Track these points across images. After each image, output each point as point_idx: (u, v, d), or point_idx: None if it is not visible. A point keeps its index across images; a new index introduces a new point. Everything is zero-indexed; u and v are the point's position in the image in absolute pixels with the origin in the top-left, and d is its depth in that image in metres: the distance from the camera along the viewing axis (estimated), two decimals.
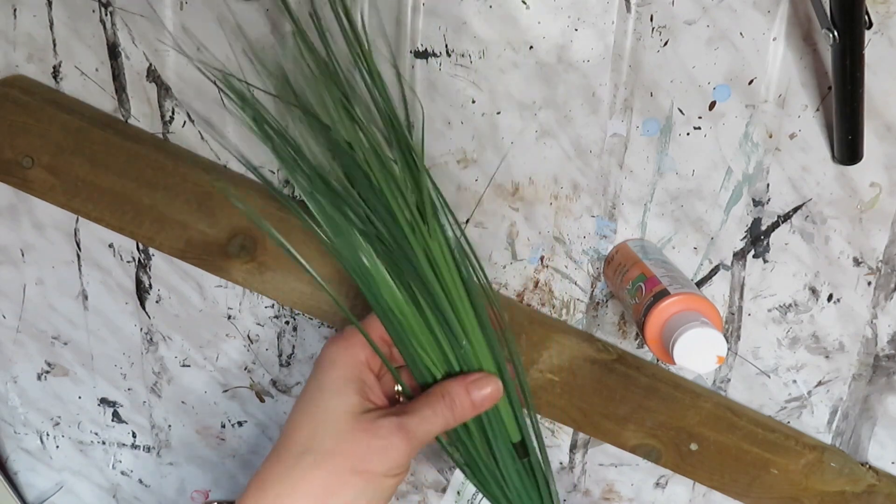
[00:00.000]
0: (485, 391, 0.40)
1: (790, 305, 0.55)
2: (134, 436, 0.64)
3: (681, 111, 0.51)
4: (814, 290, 0.55)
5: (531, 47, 0.50)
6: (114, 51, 0.53)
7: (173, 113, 0.54)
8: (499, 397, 0.41)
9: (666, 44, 0.49)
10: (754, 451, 0.57)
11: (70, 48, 0.53)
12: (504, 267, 0.56)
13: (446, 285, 0.41)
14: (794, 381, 0.57)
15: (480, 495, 0.47)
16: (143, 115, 0.54)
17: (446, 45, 0.50)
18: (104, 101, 0.54)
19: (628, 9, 0.49)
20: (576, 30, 0.49)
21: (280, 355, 0.60)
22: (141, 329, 0.60)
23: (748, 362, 0.57)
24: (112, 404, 0.63)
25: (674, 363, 0.42)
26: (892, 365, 0.56)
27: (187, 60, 0.52)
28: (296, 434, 0.37)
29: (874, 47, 0.48)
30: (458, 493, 0.50)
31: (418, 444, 0.38)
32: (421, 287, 0.40)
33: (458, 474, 0.46)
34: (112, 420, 0.63)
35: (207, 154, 0.54)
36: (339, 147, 0.40)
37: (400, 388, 0.42)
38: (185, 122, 0.54)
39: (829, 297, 0.55)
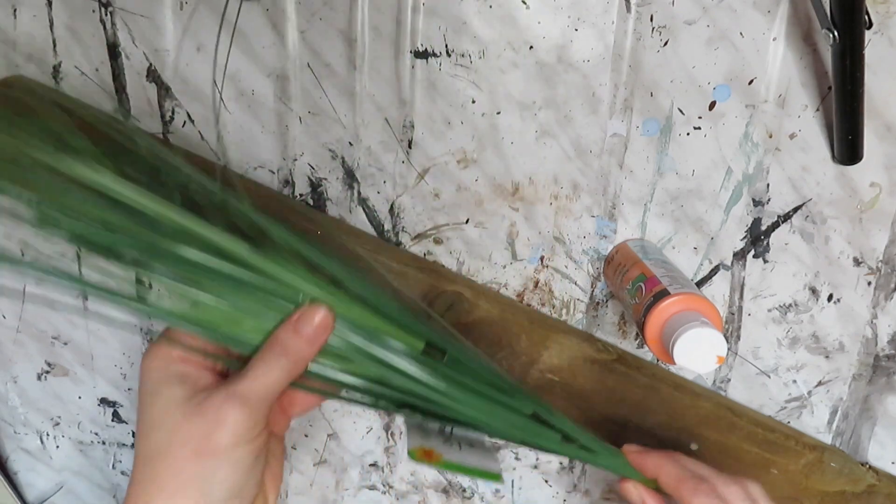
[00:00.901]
0: (315, 321, 0.37)
1: (790, 305, 0.55)
2: (134, 436, 0.64)
3: (681, 111, 0.51)
4: (814, 290, 0.55)
5: (531, 47, 0.50)
6: (114, 51, 0.53)
7: (173, 113, 0.54)
8: (332, 321, 0.38)
9: (666, 44, 0.49)
10: (754, 451, 0.57)
11: (70, 48, 0.53)
12: (504, 267, 0.56)
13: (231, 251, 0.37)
14: (794, 381, 0.57)
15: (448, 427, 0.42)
16: (143, 115, 0.54)
17: (446, 45, 0.50)
18: (104, 101, 0.54)
19: (628, 9, 0.49)
20: (576, 30, 0.49)
21: None
22: (141, 329, 0.60)
23: (748, 362, 0.57)
24: (112, 404, 0.63)
25: (674, 363, 0.42)
26: (892, 365, 0.56)
27: (187, 60, 0.52)
28: (140, 446, 0.37)
29: (874, 47, 0.48)
30: (422, 429, 0.42)
31: (259, 403, 0.36)
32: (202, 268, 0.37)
33: (406, 425, 0.41)
34: (112, 420, 0.63)
35: (207, 154, 0.54)
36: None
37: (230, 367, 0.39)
38: (185, 122, 0.54)
39: (829, 297, 0.55)
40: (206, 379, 0.38)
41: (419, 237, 0.55)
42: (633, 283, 0.48)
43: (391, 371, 0.39)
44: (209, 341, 0.38)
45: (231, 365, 0.39)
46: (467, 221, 0.55)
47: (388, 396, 0.40)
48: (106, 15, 0.52)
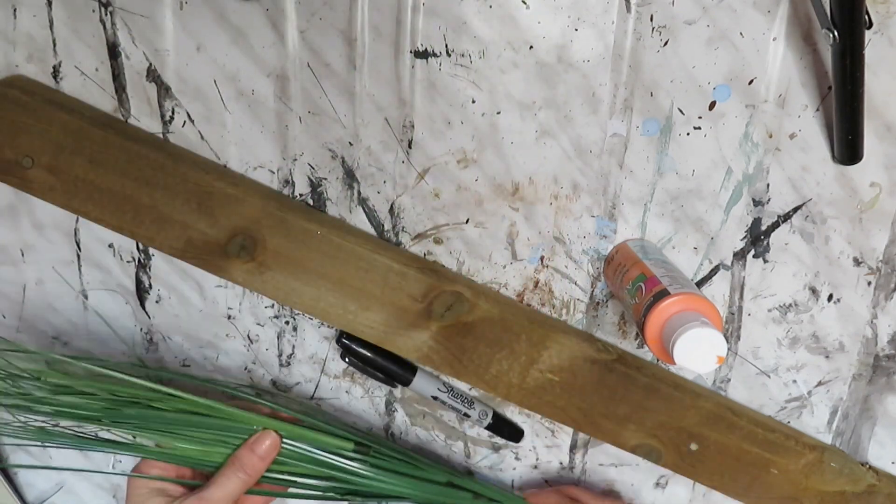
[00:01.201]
0: (265, 444, 0.50)
1: (790, 305, 0.55)
2: (134, 436, 0.64)
3: (681, 111, 0.51)
4: (814, 290, 0.55)
5: (531, 47, 0.50)
6: (114, 51, 0.53)
7: (173, 113, 0.54)
8: (278, 443, 0.51)
9: (666, 44, 0.49)
10: (754, 451, 0.57)
11: (70, 48, 0.53)
12: (504, 267, 0.56)
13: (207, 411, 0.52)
14: (794, 381, 0.57)
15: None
16: (143, 115, 0.54)
17: (446, 45, 0.50)
18: (104, 101, 0.54)
19: (628, 9, 0.49)
20: (576, 30, 0.49)
21: (280, 355, 0.60)
22: (141, 329, 0.60)
23: (748, 362, 0.57)
24: None
25: (674, 363, 0.42)
26: (892, 365, 0.56)
27: (187, 60, 0.52)
28: None
29: (874, 47, 0.48)
30: None
31: None
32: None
33: None
34: None
35: (207, 154, 0.54)
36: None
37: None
38: (185, 122, 0.54)
39: (829, 297, 0.55)
40: (178, 490, 0.50)
41: (419, 237, 0.55)
42: (633, 283, 0.48)
43: (331, 469, 0.52)
44: (182, 465, 0.51)
45: (194, 484, 0.51)
46: (467, 221, 0.55)
47: (333, 488, 0.53)
48: (106, 15, 0.52)
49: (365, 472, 0.53)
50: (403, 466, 0.54)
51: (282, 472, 0.52)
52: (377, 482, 0.53)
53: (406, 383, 0.57)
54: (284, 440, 0.51)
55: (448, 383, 0.59)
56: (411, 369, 0.57)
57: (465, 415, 0.58)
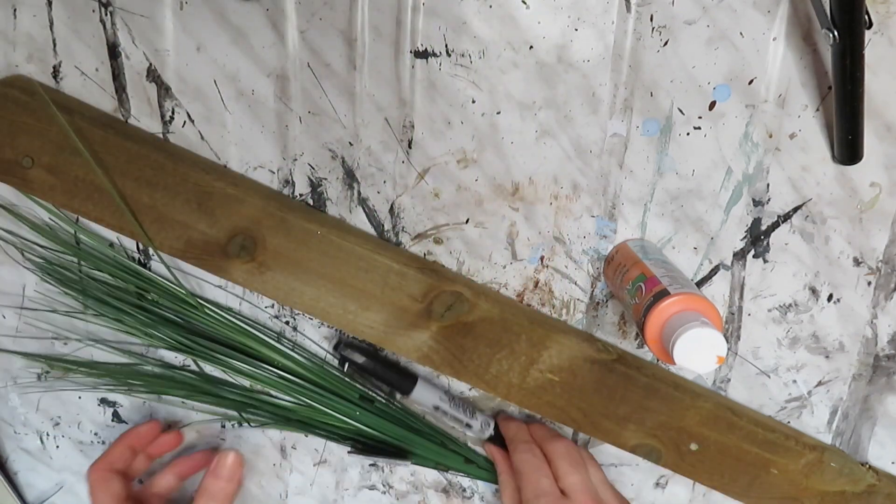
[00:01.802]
0: (226, 465, 0.52)
1: (790, 305, 0.55)
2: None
3: (681, 111, 0.51)
4: (814, 290, 0.55)
5: (531, 47, 0.50)
6: (114, 51, 0.53)
7: (173, 113, 0.54)
8: (241, 459, 0.53)
9: (666, 44, 0.49)
10: (754, 451, 0.57)
11: (70, 48, 0.53)
12: (504, 267, 0.56)
13: None
14: (794, 381, 0.57)
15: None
16: (143, 115, 0.54)
17: (446, 45, 0.50)
18: (104, 101, 0.54)
19: (628, 9, 0.49)
20: (576, 30, 0.49)
21: None
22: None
23: (748, 362, 0.57)
24: (112, 404, 0.63)
25: (674, 363, 0.42)
26: (892, 365, 0.56)
27: (187, 60, 0.52)
28: None
29: (874, 47, 0.48)
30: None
31: None
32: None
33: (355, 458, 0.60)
34: (112, 420, 0.63)
35: (207, 154, 0.54)
36: None
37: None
38: (185, 122, 0.54)
39: (829, 297, 0.55)
40: (137, 471, 0.56)
41: (419, 237, 0.55)
42: (633, 283, 0.48)
43: (343, 419, 0.58)
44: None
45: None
46: (467, 221, 0.55)
47: (338, 431, 0.59)
48: (106, 15, 0.52)
49: (368, 424, 0.58)
50: (401, 419, 0.59)
51: (298, 417, 0.57)
52: (377, 432, 0.58)
53: (406, 392, 0.57)
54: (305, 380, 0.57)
55: (450, 392, 0.58)
56: (411, 379, 0.57)
57: (468, 425, 0.58)
